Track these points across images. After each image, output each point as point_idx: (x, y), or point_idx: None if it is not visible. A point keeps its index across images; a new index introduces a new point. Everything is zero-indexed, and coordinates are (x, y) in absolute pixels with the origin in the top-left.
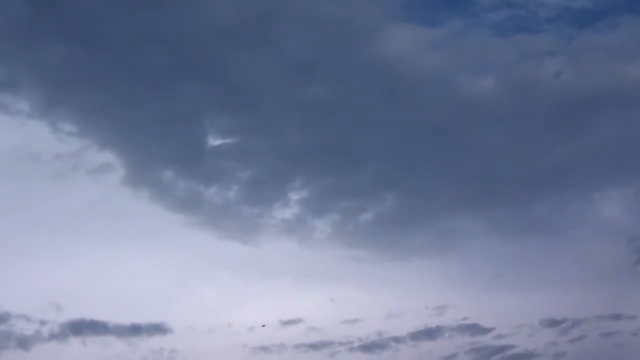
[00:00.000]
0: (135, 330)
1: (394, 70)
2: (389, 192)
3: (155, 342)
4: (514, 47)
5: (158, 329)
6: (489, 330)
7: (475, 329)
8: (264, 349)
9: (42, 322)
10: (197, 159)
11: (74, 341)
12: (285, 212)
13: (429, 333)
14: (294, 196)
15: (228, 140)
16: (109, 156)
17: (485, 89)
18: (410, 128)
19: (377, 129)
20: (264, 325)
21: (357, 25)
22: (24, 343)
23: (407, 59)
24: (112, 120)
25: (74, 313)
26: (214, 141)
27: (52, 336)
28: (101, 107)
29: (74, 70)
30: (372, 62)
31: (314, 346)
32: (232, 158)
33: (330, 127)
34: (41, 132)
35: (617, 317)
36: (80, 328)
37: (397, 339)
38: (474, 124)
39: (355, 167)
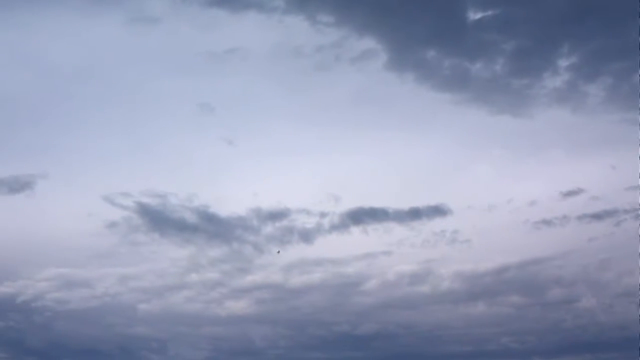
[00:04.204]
0: (414, 214)
1: None
2: None
3: (436, 224)
4: None
5: (437, 210)
6: None
7: None
8: (546, 222)
9: (322, 214)
10: (459, 35)
11: (355, 230)
12: (556, 80)
13: None
14: (563, 62)
15: (489, 12)
16: (370, 42)
17: None
18: None
19: None
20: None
21: None
22: (306, 236)
23: None
24: (370, 5)
25: (352, 202)
26: (474, 15)
27: (333, 227)
28: None
29: None
30: None
31: (597, 216)
32: (495, 30)
33: None
34: (299, 26)
35: None
36: (360, 216)
37: None
38: None
39: (625, 25)
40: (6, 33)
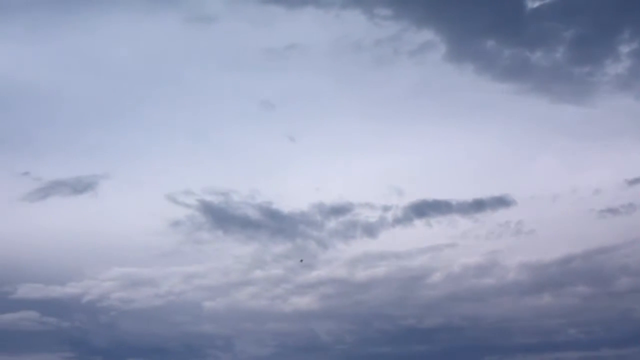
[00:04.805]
0: (478, 205)
1: None
2: None
3: (500, 215)
4: None
5: (501, 201)
6: None
7: None
8: (612, 211)
9: (385, 208)
10: (518, 24)
11: (419, 223)
12: (618, 67)
13: None
14: (625, 49)
15: (547, 1)
16: (428, 34)
17: None
18: None
19: None
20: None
21: None
22: (370, 230)
23: None
24: None
25: (415, 195)
26: (533, 3)
27: (397, 221)
28: None
29: None
30: None
31: None
32: (554, 18)
33: None
34: (357, 21)
35: None
36: (424, 209)
37: None
38: None
39: None
40: (68, 35)
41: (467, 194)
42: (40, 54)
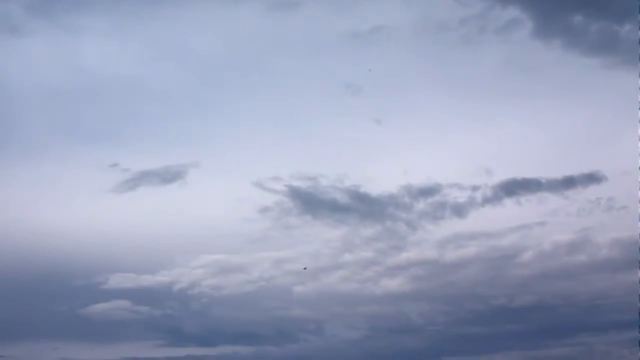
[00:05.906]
0: (568, 182)
1: None
2: None
3: (591, 192)
4: None
5: (592, 178)
6: None
7: None
8: None
9: (474, 188)
10: None
11: (508, 202)
12: None
13: None
14: None
15: None
16: (514, 11)
17: None
18: None
19: None
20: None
21: None
22: (459, 210)
23: None
24: None
25: (504, 174)
26: None
27: (486, 200)
28: None
29: None
30: None
31: None
32: None
33: None
34: (442, 0)
35: None
36: (513, 188)
37: None
38: None
39: None
40: (153, 27)
41: (557, 171)
42: (125, 47)
